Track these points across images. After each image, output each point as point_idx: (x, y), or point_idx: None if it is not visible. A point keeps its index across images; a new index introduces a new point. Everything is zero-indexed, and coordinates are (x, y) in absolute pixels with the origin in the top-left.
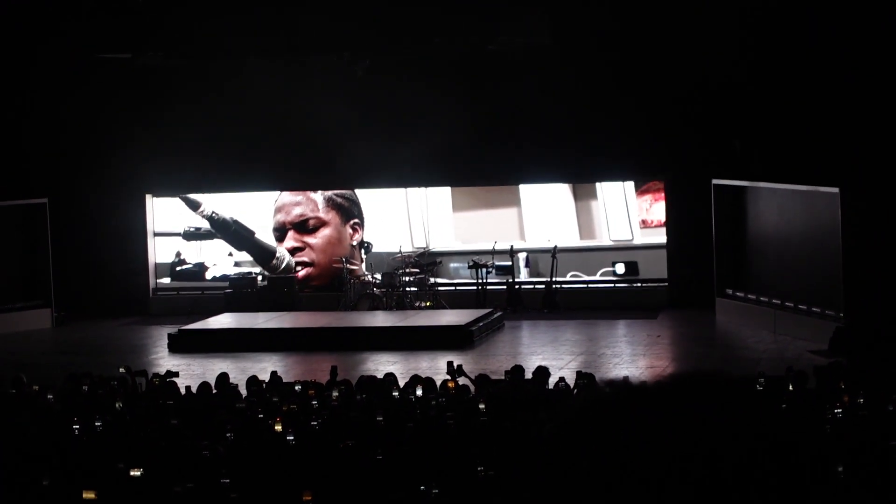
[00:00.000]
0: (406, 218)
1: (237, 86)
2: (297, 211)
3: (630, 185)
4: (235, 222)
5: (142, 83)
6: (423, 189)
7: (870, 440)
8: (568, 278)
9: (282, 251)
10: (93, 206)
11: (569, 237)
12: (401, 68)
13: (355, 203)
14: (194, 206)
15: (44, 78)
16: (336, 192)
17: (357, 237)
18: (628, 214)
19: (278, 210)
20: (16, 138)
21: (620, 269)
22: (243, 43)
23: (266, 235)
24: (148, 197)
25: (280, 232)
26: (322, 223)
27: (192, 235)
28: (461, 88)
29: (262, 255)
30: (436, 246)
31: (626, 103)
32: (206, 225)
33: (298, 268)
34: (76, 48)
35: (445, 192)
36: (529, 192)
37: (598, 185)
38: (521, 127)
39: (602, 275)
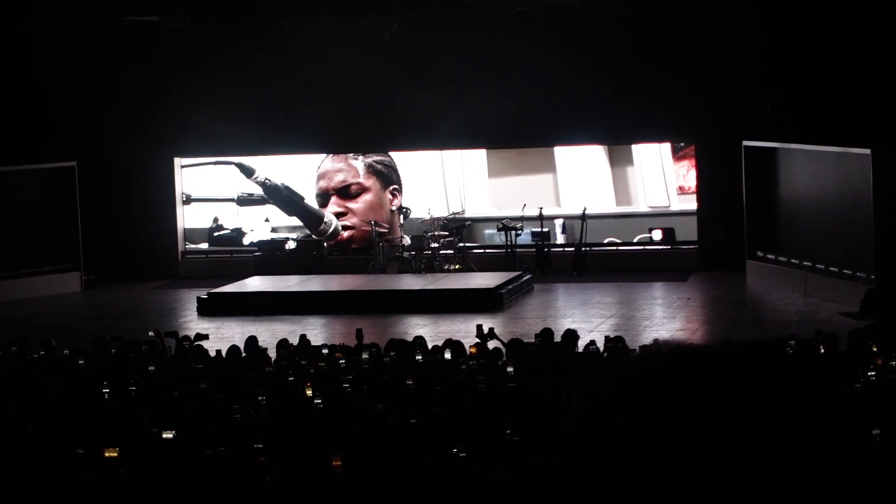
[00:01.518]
0: (442, 183)
1: (267, 48)
2: (339, 177)
3: (667, 150)
4: (287, 188)
5: (170, 45)
6: (459, 154)
7: None
8: (595, 241)
9: (329, 216)
10: (121, 169)
11: (605, 203)
12: (431, 30)
13: (394, 169)
14: (249, 172)
15: (72, 41)
16: (376, 158)
17: (396, 202)
18: (665, 180)
19: (321, 177)
20: (45, 101)
21: (657, 235)
22: (269, 4)
23: (311, 201)
24: (176, 160)
25: (323, 198)
26: (363, 189)
27: (246, 201)
28: (493, 50)
29: (312, 219)
30: (471, 211)
31: (657, 66)
32: (258, 191)
33: (345, 233)
34: (104, 10)
35: (481, 157)
36: (565, 157)
37: (634, 150)
38: (554, 89)
39: (639, 241)
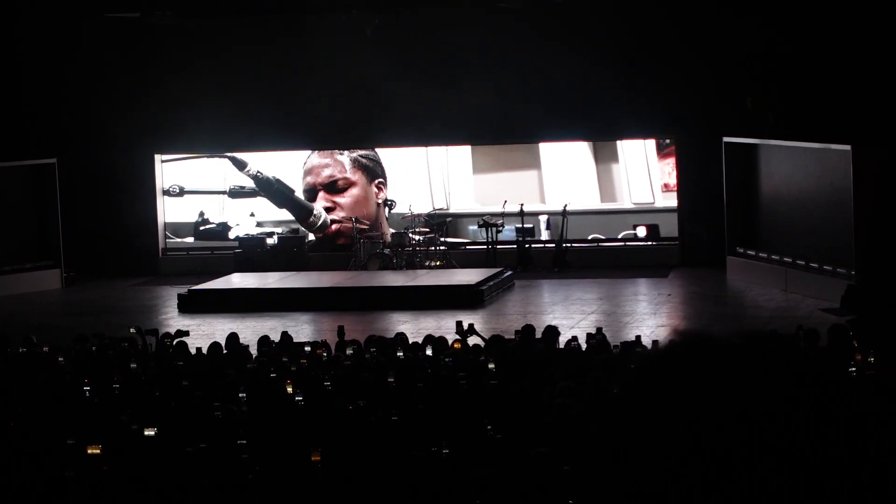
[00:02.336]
0: (427, 179)
1: (249, 45)
2: (326, 172)
3: (652, 148)
4: (278, 181)
5: (152, 42)
6: (444, 150)
7: (882, 399)
8: (579, 237)
9: (318, 209)
10: (102, 165)
11: (589, 200)
12: (416, 26)
13: (378, 163)
14: (241, 165)
15: (53, 37)
16: (361, 153)
17: (381, 195)
18: (650, 177)
19: (308, 172)
20: (25, 98)
21: (642, 232)
22: (253, 1)
23: (301, 195)
24: (157, 156)
25: (311, 193)
26: (350, 183)
27: (238, 193)
28: (477, 46)
29: (301, 212)
30: (456, 207)
31: (638, 61)
32: (250, 183)
33: (334, 226)
34: (86, 7)
35: (466, 154)
36: (550, 154)
37: (619, 147)
38: (537, 86)
39: (623, 238)
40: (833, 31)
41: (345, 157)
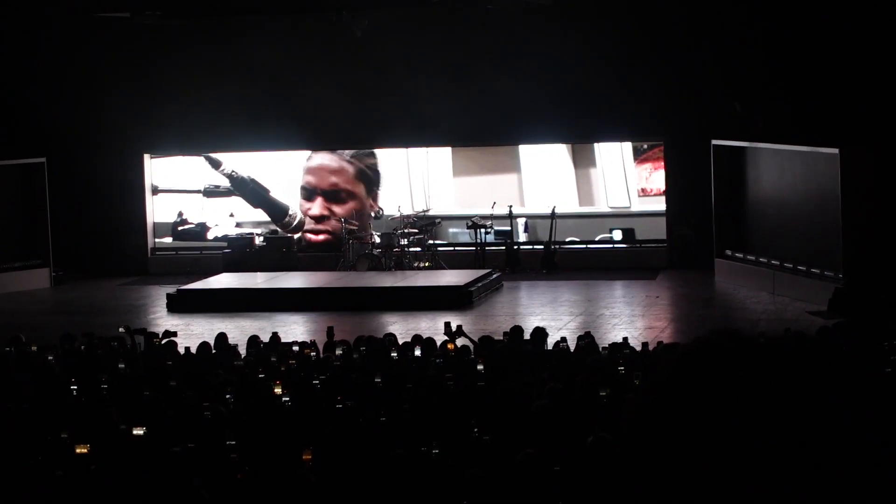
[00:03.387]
0: (407, 182)
1: (236, 45)
2: (331, 180)
3: (629, 152)
4: (252, 180)
5: (142, 42)
6: (423, 152)
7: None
8: (558, 240)
9: (294, 209)
10: (91, 165)
11: (568, 203)
12: (399, 28)
13: (378, 172)
14: (216, 164)
15: (42, 37)
16: (367, 162)
17: (376, 208)
18: (626, 182)
19: (311, 171)
20: (14, 97)
21: (617, 235)
22: (240, 1)
23: (281, 193)
24: (146, 156)
25: (308, 193)
26: (351, 196)
27: (213, 193)
28: (458, 48)
29: (276, 212)
30: (436, 210)
31: (626, 63)
32: (225, 182)
33: (317, 236)
34: (75, 7)
35: (446, 156)
36: (529, 157)
37: (596, 152)
38: (521, 88)
39: (600, 241)
40: (821, 33)
41: (350, 167)
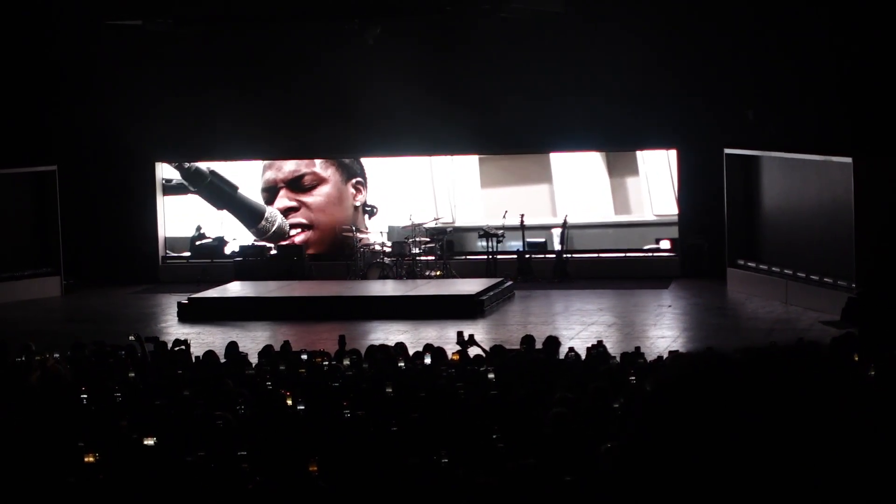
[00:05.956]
0: (431, 192)
1: (249, 52)
2: (289, 167)
3: (675, 159)
4: (213, 173)
5: (152, 50)
6: (449, 161)
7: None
8: (595, 249)
9: (272, 211)
10: (102, 173)
11: (603, 212)
12: (414, 36)
13: (357, 161)
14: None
15: (54, 45)
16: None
17: (360, 197)
18: (675, 189)
19: (268, 167)
20: (25, 105)
21: (665, 245)
22: (252, 9)
23: (255, 195)
24: (157, 164)
25: (270, 192)
26: (320, 180)
27: (164, 189)
28: (477, 55)
29: (249, 214)
30: (462, 221)
31: (639, 73)
32: (177, 176)
33: (294, 231)
34: (87, 15)
35: (473, 166)
36: (561, 166)
37: (639, 159)
38: (542, 97)
39: (648, 250)
40: (834, 42)
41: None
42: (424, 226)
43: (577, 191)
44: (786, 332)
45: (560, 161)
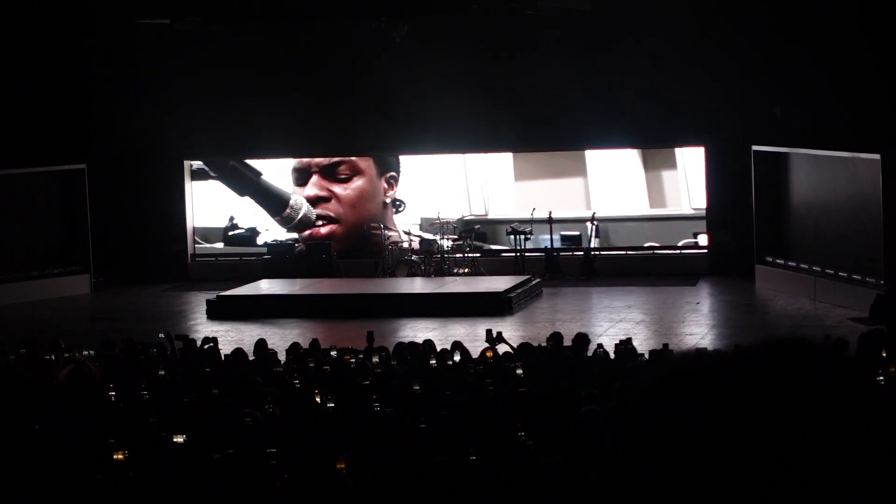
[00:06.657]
0: (465, 185)
1: (279, 50)
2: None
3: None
4: (236, 160)
5: (181, 48)
6: (482, 156)
7: None
8: (632, 245)
9: (298, 199)
10: (131, 171)
11: (639, 206)
12: (443, 33)
13: (396, 160)
14: None
15: (83, 44)
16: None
17: (391, 193)
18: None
19: None
20: (55, 104)
21: (703, 240)
22: (281, 8)
23: (283, 175)
24: (186, 162)
25: (302, 174)
26: (357, 171)
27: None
28: (513, 54)
29: (272, 202)
30: (495, 214)
31: (667, 70)
32: (198, 162)
33: (320, 222)
34: (118, 15)
35: (507, 160)
36: (596, 161)
37: (678, 154)
38: (571, 93)
39: (683, 246)
40: (862, 39)
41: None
42: (452, 223)
43: (611, 184)
44: (814, 329)
45: (594, 155)
